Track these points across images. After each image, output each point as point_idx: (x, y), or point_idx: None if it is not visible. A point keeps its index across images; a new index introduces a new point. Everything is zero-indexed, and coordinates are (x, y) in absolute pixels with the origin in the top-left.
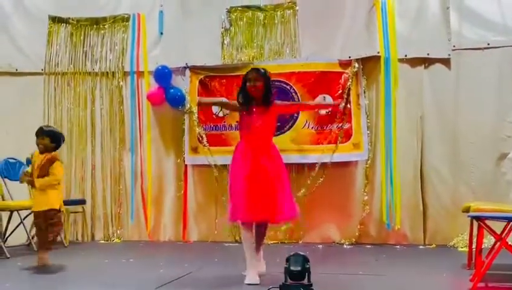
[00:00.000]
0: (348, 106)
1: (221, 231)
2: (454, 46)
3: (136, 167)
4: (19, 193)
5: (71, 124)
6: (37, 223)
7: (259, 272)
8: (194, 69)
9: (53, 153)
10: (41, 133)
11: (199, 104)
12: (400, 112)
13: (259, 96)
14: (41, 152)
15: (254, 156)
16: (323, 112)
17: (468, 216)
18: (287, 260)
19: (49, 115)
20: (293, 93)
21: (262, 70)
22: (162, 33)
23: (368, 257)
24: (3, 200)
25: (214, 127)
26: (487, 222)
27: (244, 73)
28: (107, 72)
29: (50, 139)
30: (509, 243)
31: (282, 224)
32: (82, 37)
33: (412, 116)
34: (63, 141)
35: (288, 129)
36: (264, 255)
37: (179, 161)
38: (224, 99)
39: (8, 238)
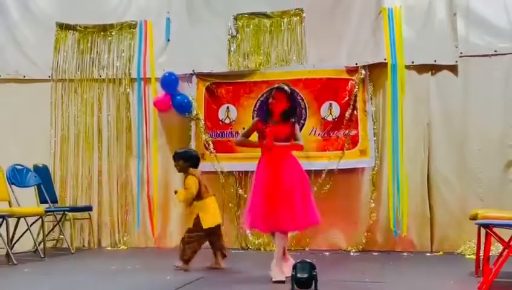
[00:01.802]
0: (355, 112)
1: (229, 238)
2: (461, 52)
3: (143, 173)
4: (26, 199)
5: (78, 131)
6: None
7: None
8: (201, 76)
9: (189, 170)
10: (174, 157)
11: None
12: (407, 119)
13: (278, 112)
14: (179, 172)
15: (274, 170)
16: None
17: (476, 223)
18: (294, 267)
19: (56, 122)
20: (300, 100)
21: (288, 89)
22: (168, 40)
23: (374, 264)
24: (10, 206)
25: (221, 134)
26: (495, 229)
27: (250, 80)
28: (114, 79)
29: (183, 160)
30: None
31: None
32: (89, 44)
33: (418, 123)
34: (198, 158)
35: None
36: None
37: None
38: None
39: (15, 245)
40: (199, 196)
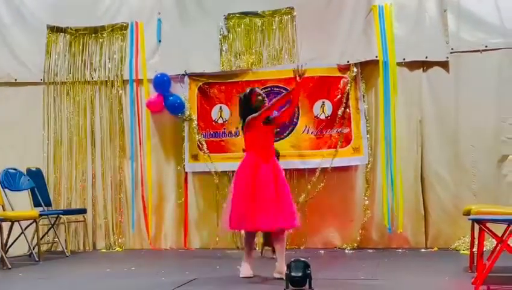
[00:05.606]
0: (347, 110)
1: (223, 238)
2: (452, 48)
3: (137, 175)
4: (19, 203)
5: (71, 133)
6: None
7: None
8: (193, 76)
9: None
10: None
11: None
12: (400, 116)
13: None
14: None
15: (270, 171)
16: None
17: (469, 219)
18: (288, 266)
19: (49, 125)
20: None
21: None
22: (160, 41)
23: (369, 262)
24: (4, 210)
25: (214, 134)
26: (488, 224)
27: (243, 80)
28: (106, 81)
29: None
30: (511, 245)
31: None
32: (81, 46)
33: (411, 120)
34: None
35: (288, 135)
36: (264, 261)
37: (179, 168)
38: None
39: (9, 249)
40: None
